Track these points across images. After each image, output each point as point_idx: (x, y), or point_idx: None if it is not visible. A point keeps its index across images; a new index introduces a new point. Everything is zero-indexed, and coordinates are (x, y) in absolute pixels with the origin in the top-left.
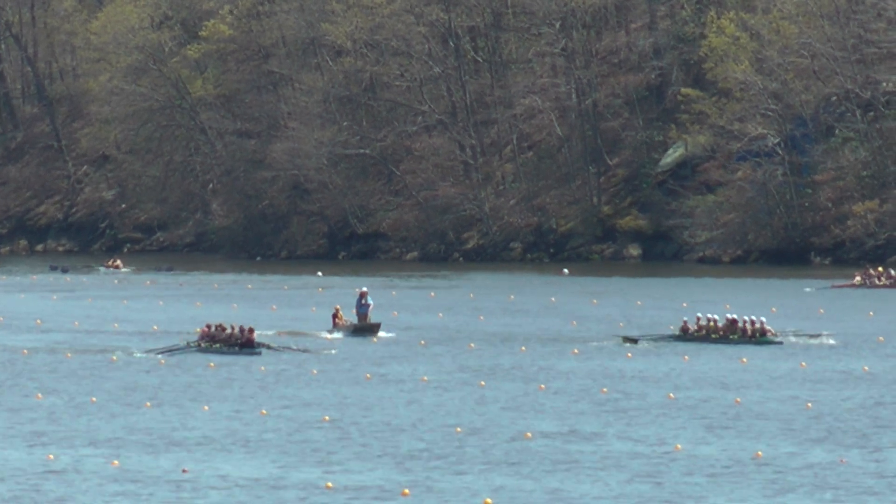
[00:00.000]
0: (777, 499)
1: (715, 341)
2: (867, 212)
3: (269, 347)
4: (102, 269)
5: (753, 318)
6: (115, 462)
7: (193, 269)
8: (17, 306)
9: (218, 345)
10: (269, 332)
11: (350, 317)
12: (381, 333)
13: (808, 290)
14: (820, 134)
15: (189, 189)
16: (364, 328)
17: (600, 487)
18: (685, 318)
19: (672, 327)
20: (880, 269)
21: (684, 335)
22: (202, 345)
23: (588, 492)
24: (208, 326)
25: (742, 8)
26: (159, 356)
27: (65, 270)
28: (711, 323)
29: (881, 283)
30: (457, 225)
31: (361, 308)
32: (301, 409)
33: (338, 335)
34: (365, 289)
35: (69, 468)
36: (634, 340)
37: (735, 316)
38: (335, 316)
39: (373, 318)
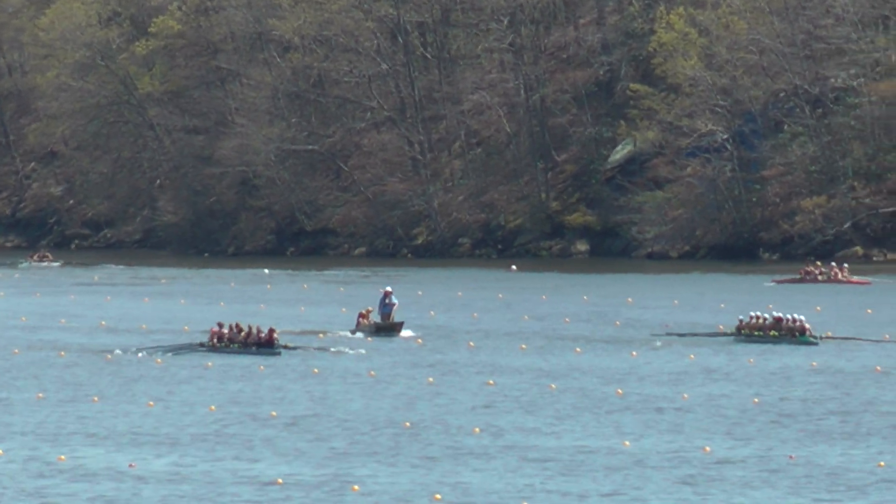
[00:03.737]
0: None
1: (757, 340)
2: (815, 207)
3: (286, 347)
4: (27, 263)
5: (795, 316)
6: (62, 457)
7: (141, 264)
8: None
9: (235, 345)
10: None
11: (375, 316)
12: (405, 333)
13: (768, 284)
14: (769, 130)
15: (137, 185)
16: (386, 327)
17: (540, 482)
18: (740, 317)
19: (722, 327)
20: (818, 263)
21: (738, 333)
22: (216, 344)
23: (530, 485)
24: (220, 325)
25: (691, 4)
26: (161, 355)
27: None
28: (760, 320)
29: (821, 278)
30: (405, 221)
31: (385, 308)
32: (251, 405)
33: (359, 335)
34: (389, 288)
35: (16, 462)
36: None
37: (780, 314)
38: (362, 316)
39: (399, 317)
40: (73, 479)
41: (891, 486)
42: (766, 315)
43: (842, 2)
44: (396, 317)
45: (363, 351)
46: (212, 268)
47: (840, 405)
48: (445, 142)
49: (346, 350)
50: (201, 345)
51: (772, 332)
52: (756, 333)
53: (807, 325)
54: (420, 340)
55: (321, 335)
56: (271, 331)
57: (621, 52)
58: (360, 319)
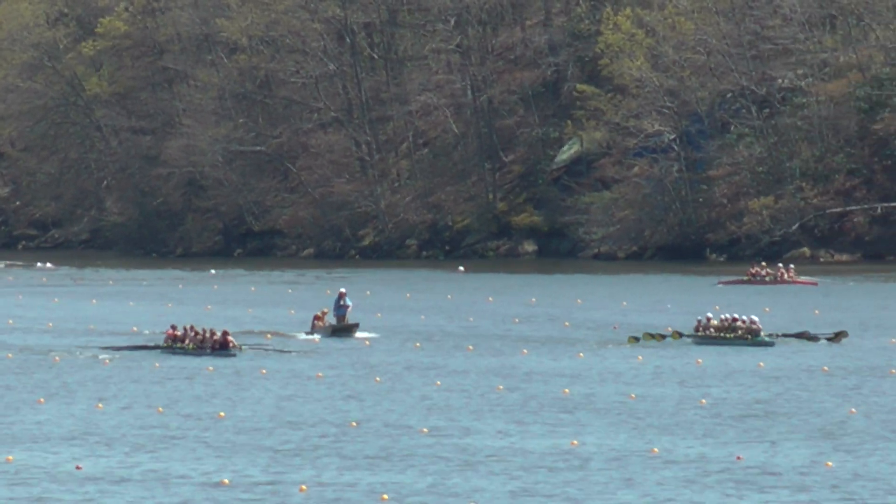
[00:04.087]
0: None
1: (713, 341)
2: (762, 208)
3: (241, 349)
4: None
5: (752, 317)
6: (10, 458)
7: (88, 265)
8: None
9: (191, 346)
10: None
11: (330, 318)
12: (360, 334)
13: (718, 285)
14: (715, 130)
15: (84, 186)
16: (342, 329)
17: (487, 482)
18: (698, 318)
19: (670, 328)
20: (763, 264)
21: (695, 334)
22: (173, 346)
23: (477, 485)
24: (174, 328)
25: (638, 4)
26: (114, 356)
27: None
28: (719, 322)
29: (768, 279)
30: (353, 222)
31: (339, 309)
32: (199, 406)
33: (315, 336)
34: (343, 290)
35: None
36: (636, 339)
37: (736, 315)
38: (317, 318)
39: (351, 318)
40: (20, 480)
41: (838, 487)
42: (725, 316)
43: (789, 2)
44: (350, 318)
45: (314, 352)
46: (159, 268)
47: (788, 406)
48: (392, 143)
49: (299, 352)
50: (156, 346)
51: (726, 334)
52: (712, 334)
53: (759, 326)
54: (368, 342)
55: (268, 335)
56: (225, 333)
57: (568, 52)
58: (316, 321)
